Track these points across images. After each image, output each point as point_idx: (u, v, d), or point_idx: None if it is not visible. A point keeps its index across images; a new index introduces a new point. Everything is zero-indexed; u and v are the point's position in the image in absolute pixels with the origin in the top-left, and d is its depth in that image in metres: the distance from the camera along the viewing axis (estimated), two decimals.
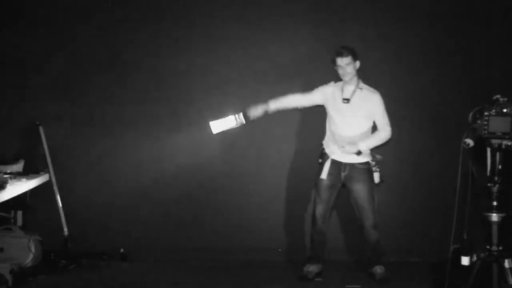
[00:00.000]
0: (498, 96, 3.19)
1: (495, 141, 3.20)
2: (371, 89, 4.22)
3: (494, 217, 3.23)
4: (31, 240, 4.43)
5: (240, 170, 4.91)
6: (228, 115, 4.27)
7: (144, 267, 4.61)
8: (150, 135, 4.99)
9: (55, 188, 4.75)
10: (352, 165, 4.19)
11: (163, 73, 4.97)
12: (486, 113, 3.16)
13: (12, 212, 4.79)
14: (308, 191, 4.60)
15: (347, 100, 4.17)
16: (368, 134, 4.22)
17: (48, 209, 4.79)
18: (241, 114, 4.26)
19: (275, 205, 4.88)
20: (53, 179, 4.76)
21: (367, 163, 4.19)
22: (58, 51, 4.98)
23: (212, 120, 4.31)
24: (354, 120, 4.18)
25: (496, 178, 3.23)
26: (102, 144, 5.00)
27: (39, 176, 4.60)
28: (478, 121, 3.20)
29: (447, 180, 3.76)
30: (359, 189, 4.20)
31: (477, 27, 4.72)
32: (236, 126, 4.28)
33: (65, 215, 4.77)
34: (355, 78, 4.20)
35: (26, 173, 4.57)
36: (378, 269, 4.25)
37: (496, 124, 3.15)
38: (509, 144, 3.17)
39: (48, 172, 4.73)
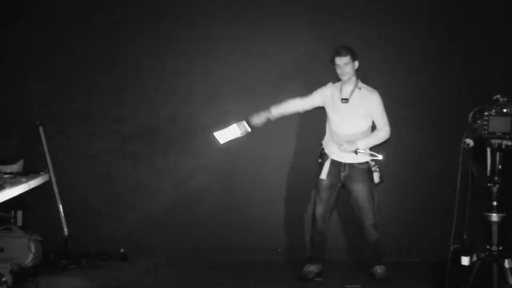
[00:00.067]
0: (498, 96, 3.19)
1: (495, 141, 3.20)
2: (370, 88, 4.22)
3: (494, 217, 3.23)
4: (31, 240, 4.43)
5: (240, 170, 4.92)
6: (232, 124, 4.25)
7: (144, 267, 4.61)
8: (150, 135, 4.99)
9: (55, 188, 4.75)
10: (352, 165, 4.19)
11: (163, 73, 4.97)
12: (486, 113, 3.16)
13: (12, 212, 4.80)
14: (308, 191, 4.60)
15: (345, 100, 4.17)
16: (368, 133, 4.22)
17: (48, 209, 4.79)
18: (244, 122, 4.25)
19: (275, 205, 4.88)
20: (53, 179, 4.76)
21: (367, 163, 4.19)
22: (58, 51, 4.99)
23: (216, 131, 4.28)
24: (353, 119, 4.18)
25: (496, 178, 3.23)
26: (102, 144, 5.00)
27: (39, 176, 4.60)
28: (478, 121, 3.19)
29: (447, 180, 3.76)
30: (359, 189, 4.20)
31: (477, 27, 4.72)
32: (241, 135, 4.27)
33: (65, 215, 4.77)
34: (354, 78, 4.21)
35: (26, 173, 4.57)
36: (379, 269, 4.25)
37: (496, 124, 3.15)
38: (509, 144, 3.17)
39: (48, 172, 4.73)
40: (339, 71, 4.16)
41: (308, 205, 4.68)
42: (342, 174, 4.22)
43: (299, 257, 4.61)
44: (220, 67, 4.92)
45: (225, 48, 4.91)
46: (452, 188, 3.38)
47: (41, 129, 4.77)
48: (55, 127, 4.92)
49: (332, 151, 4.23)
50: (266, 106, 4.45)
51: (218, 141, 4.29)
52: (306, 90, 4.48)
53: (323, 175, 4.22)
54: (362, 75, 4.27)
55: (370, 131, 4.24)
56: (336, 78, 4.25)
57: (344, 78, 4.17)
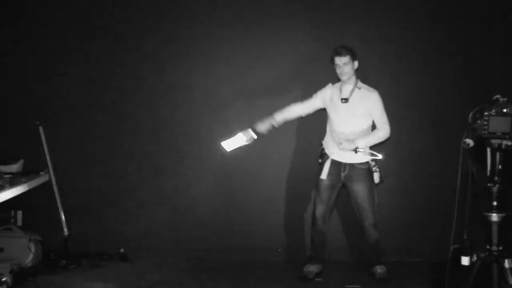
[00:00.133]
0: (498, 96, 3.19)
1: (495, 141, 3.20)
2: (370, 88, 4.22)
3: (494, 217, 3.22)
4: (31, 240, 4.44)
5: (240, 170, 4.91)
6: (237, 133, 4.26)
7: (144, 267, 4.61)
8: (150, 135, 5.00)
9: (55, 188, 4.75)
10: (352, 165, 4.19)
11: (163, 73, 4.97)
12: (486, 113, 3.16)
13: (12, 212, 4.80)
14: (308, 191, 4.60)
15: (345, 100, 4.17)
16: (368, 132, 4.22)
17: (48, 209, 4.79)
18: (250, 130, 4.26)
19: (275, 205, 4.88)
20: (53, 179, 4.76)
21: (367, 163, 4.19)
22: (58, 51, 4.99)
23: (223, 141, 4.28)
24: (353, 119, 4.18)
25: (496, 178, 3.23)
26: (102, 144, 5.01)
27: (39, 176, 4.60)
28: (478, 121, 3.19)
29: (447, 180, 3.76)
30: (359, 189, 4.20)
31: (477, 27, 4.72)
32: (247, 142, 4.28)
33: (65, 215, 4.77)
34: (354, 78, 4.21)
35: (26, 173, 4.58)
36: (379, 269, 4.24)
37: (496, 124, 3.15)
38: (509, 144, 3.17)
39: (48, 172, 4.73)
40: (338, 71, 4.17)
41: (308, 205, 4.68)
42: (342, 174, 4.22)
43: (299, 257, 4.61)
44: (220, 67, 4.92)
45: (225, 48, 4.91)
46: (452, 188, 3.37)
47: (41, 129, 4.77)
48: (55, 127, 4.92)
49: (332, 151, 4.23)
50: (266, 106, 4.47)
51: (225, 150, 4.30)
52: (306, 90, 4.49)
53: (323, 175, 4.22)
54: (362, 75, 4.27)
55: (370, 130, 4.24)
56: (336, 78, 4.25)
57: (343, 78, 4.17)
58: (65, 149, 4.95)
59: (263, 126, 4.27)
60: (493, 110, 3.15)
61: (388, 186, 4.52)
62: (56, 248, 4.68)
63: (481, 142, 3.25)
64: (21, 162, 4.63)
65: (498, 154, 3.22)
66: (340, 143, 4.12)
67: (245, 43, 4.91)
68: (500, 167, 3.23)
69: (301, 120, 4.64)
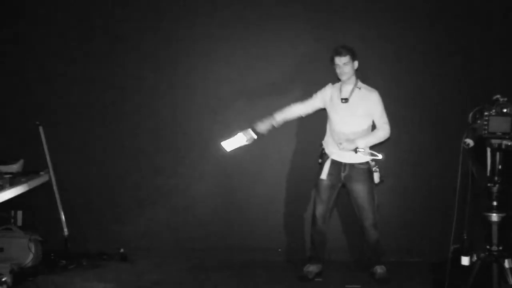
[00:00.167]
0: (498, 96, 3.19)
1: (495, 141, 3.20)
2: (370, 88, 4.22)
3: (494, 217, 3.22)
4: (31, 240, 4.44)
5: (240, 170, 4.91)
6: (237, 133, 4.26)
7: (144, 267, 4.60)
8: (150, 135, 5.00)
9: (55, 188, 4.75)
10: (352, 165, 4.19)
11: (163, 73, 4.97)
12: (486, 113, 3.16)
13: (12, 212, 4.80)
14: (308, 191, 4.60)
15: (345, 100, 4.17)
16: (368, 132, 4.22)
17: (48, 209, 4.78)
18: (250, 130, 4.26)
19: (275, 205, 4.88)
20: (53, 179, 4.76)
21: (367, 163, 4.19)
22: (58, 51, 4.99)
23: (223, 141, 4.29)
24: (353, 119, 4.18)
25: (496, 178, 3.23)
26: (102, 144, 5.00)
27: (39, 176, 4.60)
28: (478, 121, 3.19)
29: (447, 180, 3.76)
30: (359, 189, 4.20)
31: (477, 27, 4.72)
32: (247, 142, 4.28)
33: (65, 215, 4.77)
34: (354, 78, 4.21)
35: (26, 173, 4.57)
36: (379, 269, 4.25)
37: (496, 124, 3.15)
38: (509, 144, 3.17)
39: (48, 172, 4.73)
40: (338, 70, 4.17)
41: (308, 205, 4.68)
42: (342, 174, 4.22)
43: (299, 257, 4.62)
44: (220, 67, 4.92)
45: (225, 48, 4.91)
46: (452, 188, 3.37)
47: (41, 129, 4.77)
48: (55, 127, 4.92)
49: (333, 151, 4.23)
50: (266, 106, 4.47)
51: (225, 149, 4.30)
52: (306, 90, 4.49)
53: (323, 175, 4.22)
54: (362, 75, 4.27)
55: (370, 130, 4.24)
56: (336, 78, 4.25)
57: (343, 78, 4.17)
58: (65, 149, 4.95)
59: (263, 126, 4.27)
60: (493, 110, 3.15)
61: (388, 186, 4.52)
62: (56, 248, 4.68)
63: (481, 142, 3.25)
64: (21, 162, 4.63)
65: (498, 154, 3.22)
66: (340, 143, 4.12)
67: (245, 43, 4.91)
68: (500, 167, 3.23)
69: (301, 120, 4.63)
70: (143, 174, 4.99)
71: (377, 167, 4.18)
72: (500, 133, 3.16)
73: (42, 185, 4.64)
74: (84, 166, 5.00)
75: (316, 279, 4.26)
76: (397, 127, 4.35)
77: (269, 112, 4.32)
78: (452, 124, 4.50)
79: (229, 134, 4.33)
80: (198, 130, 4.94)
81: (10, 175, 4.35)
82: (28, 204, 4.77)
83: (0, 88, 5.01)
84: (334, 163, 4.23)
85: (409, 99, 4.79)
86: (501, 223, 3.23)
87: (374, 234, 4.26)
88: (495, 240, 3.22)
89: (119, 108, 5.00)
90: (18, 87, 5.01)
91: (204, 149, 4.87)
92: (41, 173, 4.67)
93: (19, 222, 4.80)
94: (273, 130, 4.31)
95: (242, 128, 4.29)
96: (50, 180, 4.74)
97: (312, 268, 4.29)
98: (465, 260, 3.25)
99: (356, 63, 4.18)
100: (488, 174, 3.27)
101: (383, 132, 4.18)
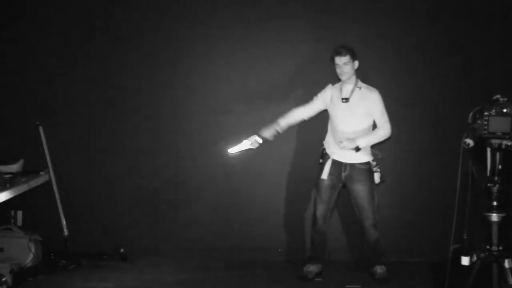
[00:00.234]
0: (498, 96, 3.19)
1: (495, 141, 3.19)
2: (370, 87, 4.23)
3: (494, 217, 3.22)
4: (31, 240, 4.44)
5: (240, 170, 4.90)
6: (243, 140, 4.28)
7: (144, 267, 4.60)
8: (150, 135, 5.00)
9: (55, 188, 4.75)
10: (352, 165, 4.19)
11: (163, 73, 4.97)
12: (486, 113, 3.15)
13: (12, 212, 4.80)
14: (308, 191, 4.60)
15: (346, 100, 4.17)
16: (369, 131, 4.22)
17: (48, 209, 4.79)
18: (256, 136, 4.27)
19: (275, 205, 4.88)
20: (53, 179, 4.76)
21: (367, 163, 4.19)
22: (58, 51, 4.99)
23: (229, 148, 4.33)
24: (354, 119, 4.18)
25: (496, 178, 3.23)
26: (102, 144, 5.00)
27: (39, 176, 4.60)
28: (478, 121, 3.19)
29: (447, 180, 3.76)
30: (360, 189, 4.20)
31: (477, 27, 4.72)
32: (252, 147, 4.30)
33: (65, 215, 4.77)
34: (354, 78, 4.21)
35: (26, 173, 4.58)
36: (379, 269, 4.24)
37: (496, 124, 3.15)
38: (509, 144, 3.16)
39: (48, 172, 4.73)
40: (338, 70, 4.17)
41: (308, 205, 4.67)
42: (343, 174, 4.22)
43: (299, 257, 4.61)
44: (220, 67, 4.92)
45: (225, 48, 4.91)
46: (452, 188, 3.37)
47: (41, 129, 4.77)
48: (55, 127, 4.92)
49: (333, 151, 4.23)
50: (266, 106, 4.48)
51: (229, 154, 4.32)
52: (307, 90, 4.49)
53: (324, 175, 4.22)
54: (362, 75, 4.27)
55: (371, 129, 4.24)
56: (336, 78, 4.25)
57: (343, 77, 4.18)
58: (65, 149, 4.95)
59: (268, 132, 4.28)
60: (493, 110, 3.14)
61: (388, 186, 4.52)
62: (56, 248, 4.68)
63: (481, 142, 3.24)
64: (21, 162, 4.63)
65: (498, 154, 3.22)
66: (341, 142, 4.12)
67: (245, 43, 4.91)
68: (500, 167, 3.23)
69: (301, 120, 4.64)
70: (143, 174, 5.00)
71: (378, 167, 4.19)
72: (500, 133, 3.16)
73: (42, 185, 4.65)
74: (84, 166, 5.00)
75: (316, 279, 4.25)
76: (397, 127, 4.34)
77: (269, 112, 4.32)
78: (452, 124, 4.50)
79: (229, 134, 4.33)
80: (198, 130, 4.94)
81: (10, 175, 4.35)
82: (28, 204, 4.78)
83: (0, 88, 5.01)
84: (335, 163, 4.22)
85: (409, 99, 4.79)
86: (501, 223, 3.22)
87: (374, 234, 4.25)
88: (495, 240, 3.21)
89: (119, 108, 5.00)
90: (18, 87, 5.01)
91: (204, 149, 4.87)
92: (41, 173, 4.67)
93: (19, 222, 4.80)
94: (277, 134, 4.32)
95: (242, 129, 4.31)
96: (50, 180, 4.74)
97: (312, 268, 4.29)
98: (465, 260, 3.25)
99: (356, 63, 4.18)
100: (488, 174, 3.26)
101: (384, 131, 4.18)
